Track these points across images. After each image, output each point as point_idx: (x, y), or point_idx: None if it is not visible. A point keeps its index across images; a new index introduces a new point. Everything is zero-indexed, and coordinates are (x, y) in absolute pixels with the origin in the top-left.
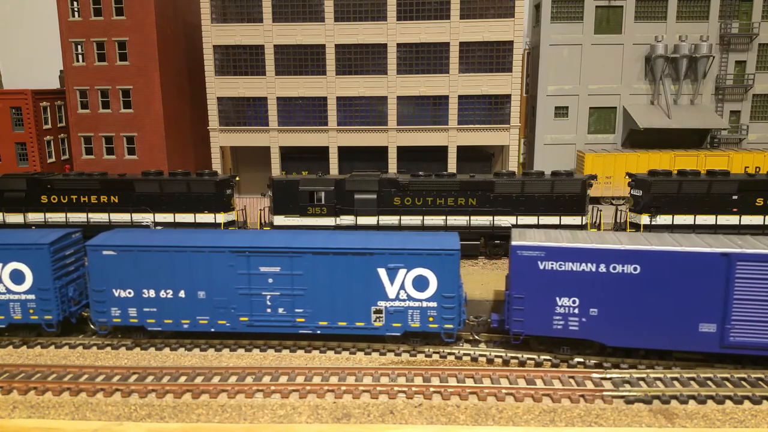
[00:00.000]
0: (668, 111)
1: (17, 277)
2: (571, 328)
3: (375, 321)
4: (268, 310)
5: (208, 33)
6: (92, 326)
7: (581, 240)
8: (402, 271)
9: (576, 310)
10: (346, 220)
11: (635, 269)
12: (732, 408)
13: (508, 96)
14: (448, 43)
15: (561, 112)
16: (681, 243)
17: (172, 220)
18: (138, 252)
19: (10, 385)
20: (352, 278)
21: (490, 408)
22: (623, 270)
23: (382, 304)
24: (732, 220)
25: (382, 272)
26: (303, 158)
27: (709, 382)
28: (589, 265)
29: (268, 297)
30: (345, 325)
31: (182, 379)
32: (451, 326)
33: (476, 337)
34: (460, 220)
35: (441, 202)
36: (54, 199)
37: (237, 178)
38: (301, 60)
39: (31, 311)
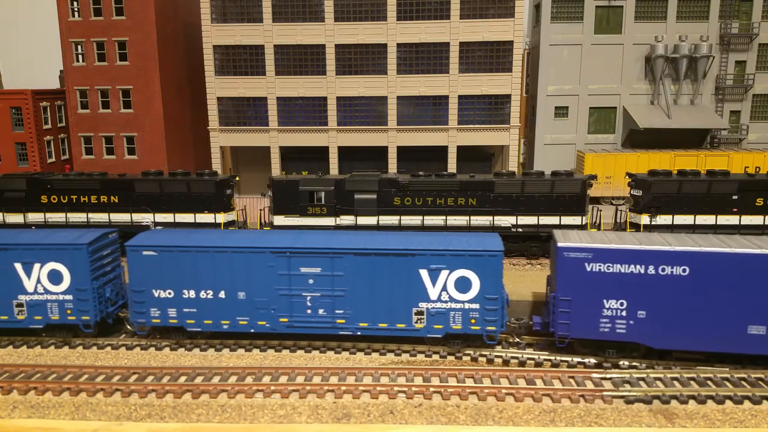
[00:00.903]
0: (668, 111)
1: (55, 277)
2: (618, 330)
3: (416, 323)
4: (308, 311)
5: (208, 33)
6: (129, 327)
7: (628, 241)
8: (444, 273)
9: (623, 313)
10: (346, 220)
11: (684, 271)
12: (732, 408)
13: (508, 96)
14: (448, 43)
15: (561, 112)
16: (729, 244)
17: (172, 220)
18: (178, 252)
19: (10, 385)
20: (394, 279)
21: (490, 408)
22: (672, 272)
23: (423, 305)
24: (732, 220)
25: (424, 273)
26: (303, 158)
27: (709, 382)
28: (638, 266)
29: (309, 298)
30: (385, 327)
31: (182, 379)
32: (493, 328)
33: (518, 339)
34: (460, 220)
35: (441, 202)
36: (54, 199)
37: (237, 178)
38: (301, 60)
39: (69, 312)
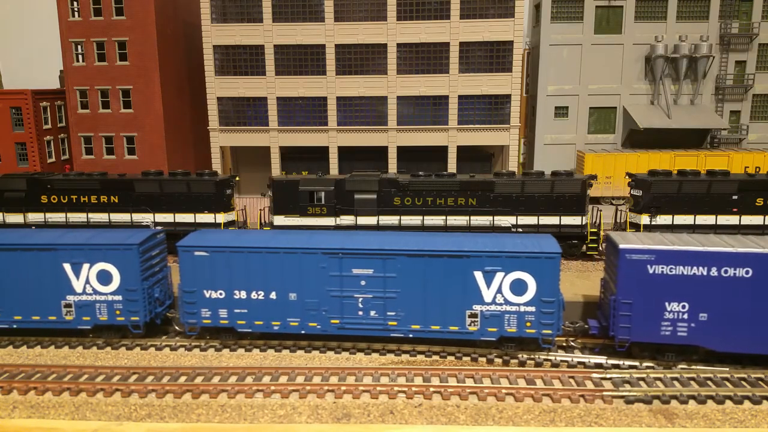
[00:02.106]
0: (668, 111)
1: (104, 277)
2: (679, 333)
3: (469, 325)
4: (360, 313)
5: (208, 33)
6: (177, 327)
7: (689, 243)
8: (500, 275)
9: (685, 315)
10: (346, 220)
11: (747, 272)
12: (732, 408)
13: (508, 96)
14: (448, 43)
15: (561, 112)
16: None
17: (172, 220)
18: (230, 253)
19: (10, 385)
20: (447, 281)
21: (490, 408)
22: (734, 273)
23: (477, 308)
24: (732, 220)
25: (479, 275)
26: (303, 158)
27: (709, 382)
28: (700, 268)
29: (360, 299)
30: (438, 330)
31: (182, 379)
32: (550, 332)
33: (572, 343)
34: (460, 220)
35: (441, 202)
36: (54, 199)
37: (237, 178)
38: (301, 60)
39: (118, 312)
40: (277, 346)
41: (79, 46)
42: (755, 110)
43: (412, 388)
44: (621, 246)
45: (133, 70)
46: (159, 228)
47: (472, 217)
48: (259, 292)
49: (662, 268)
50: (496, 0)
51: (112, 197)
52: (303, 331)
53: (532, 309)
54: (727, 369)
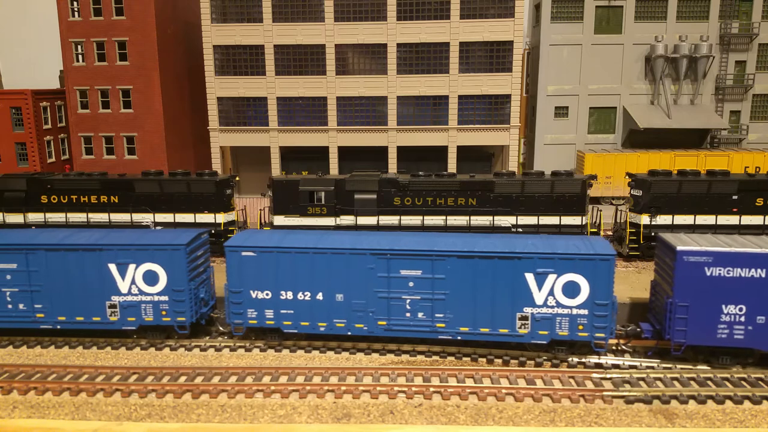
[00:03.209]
0: (668, 111)
1: (151, 278)
2: (736, 336)
3: (520, 328)
4: (408, 315)
5: (208, 33)
6: (222, 328)
7: (745, 244)
8: (552, 276)
9: (742, 318)
10: (346, 220)
11: None
12: (732, 408)
13: (508, 96)
14: (448, 43)
15: (561, 112)
16: None
17: (172, 220)
18: (278, 253)
19: (10, 385)
20: (497, 283)
21: (490, 408)
22: None
23: (528, 310)
24: (732, 220)
25: (530, 277)
26: (303, 158)
27: (709, 382)
28: (759, 270)
29: (408, 301)
30: (487, 332)
31: (182, 379)
32: (602, 335)
33: (624, 347)
34: (460, 220)
35: (441, 202)
36: (54, 199)
37: (237, 178)
38: (301, 60)
39: (164, 313)
40: (277, 346)
41: (79, 46)
42: (755, 110)
43: (412, 388)
44: (678, 248)
45: (133, 70)
46: (204, 229)
47: (472, 217)
48: (306, 293)
49: (720, 270)
50: (496, 0)
51: (112, 197)
52: (349, 333)
53: (585, 312)
54: (727, 369)
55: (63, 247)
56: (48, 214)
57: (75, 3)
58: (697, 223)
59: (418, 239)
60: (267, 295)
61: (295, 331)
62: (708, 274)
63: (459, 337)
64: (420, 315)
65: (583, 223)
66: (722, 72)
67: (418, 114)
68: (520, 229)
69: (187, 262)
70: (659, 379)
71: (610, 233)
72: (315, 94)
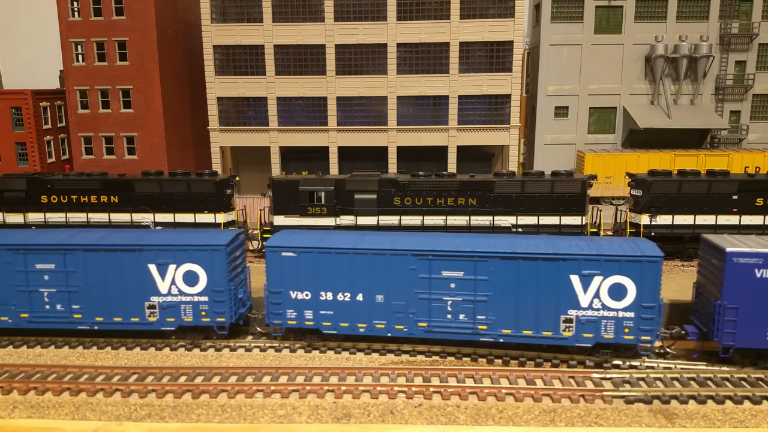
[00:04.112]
0: (668, 111)
1: (191, 278)
2: None
3: (564, 331)
4: (449, 316)
5: (208, 33)
6: (259, 328)
7: None
8: (597, 279)
9: None
10: (346, 220)
11: None
12: (732, 408)
13: (508, 96)
14: (448, 43)
15: (561, 112)
16: None
17: (172, 220)
18: (317, 254)
19: (10, 385)
20: (541, 285)
21: (490, 408)
22: None
23: (572, 312)
24: (732, 220)
25: (575, 279)
26: (303, 158)
27: (709, 382)
28: None
29: (449, 302)
30: (530, 335)
31: (182, 379)
32: (648, 338)
33: (668, 349)
34: (460, 220)
35: (441, 202)
36: (54, 199)
37: (237, 178)
38: (301, 60)
39: (203, 313)
40: (277, 346)
41: (79, 46)
42: (755, 110)
43: (412, 388)
44: (728, 249)
45: (133, 70)
46: (240, 229)
47: (472, 217)
48: (346, 294)
49: None
50: (496, 0)
51: (112, 197)
52: (389, 334)
53: (631, 314)
54: (727, 369)
55: (102, 248)
56: (48, 214)
57: (75, 3)
58: (697, 223)
59: (459, 240)
60: (306, 295)
61: (335, 332)
62: (758, 275)
63: (501, 340)
64: (461, 317)
65: (583, 223)
66: (722, 72)
67: (418, 114)
68: (520, 230)
69: (227, 262)
70: (659, 379)
71: (610, 233)
72: (315, 94)
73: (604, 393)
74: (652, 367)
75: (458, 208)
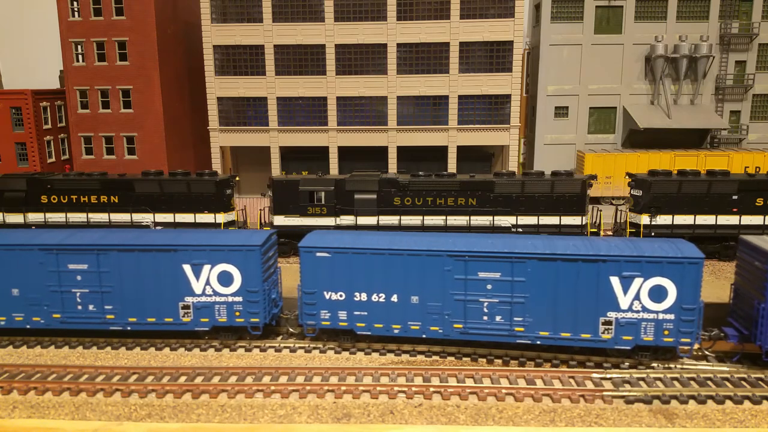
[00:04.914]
0: (668, 111)
1: (225, 279)
2: None
3: (603, 333)
4: (485, 318)
5: (208, 33)
6: (291, 329)
7: None
8: (638, 280)
9: None
10: (346, 220)
11: None
12: (732, 408)
13: (508, 96)
14: (448, 43)
15: (561, 112)
16: None
17: (172, 220)
18: (352, 254)
19: (10, 385)
20: (580, 286)
21: (490, 408)
22: None
23: (612, 315)
24: (732, 220)
25: (615, 281)
26: (303, 158)
27: (709, 382)
28: None
29: (486, 304)
30: (569, 337)
31: (182, 379)
32: (688, 340)
33: (706, 351)
34: (460, 220)
35: (441, 202)
36: (54, 199)
37: (237, 178)
38: (301, 60)
39: (237, 314)
40: (277, 346)
41: (79, 46)
42: (755, 110)
43: (412, 388)
44: None
45: (133, 70)
46: (273, 230)
47: (472, 217)
48: (380, 295)
49: None
50: (496, 0)
51: (112, 197)
52: (424, 336)
53: (671, 316)
54: (727, 369)
55: (136, 248)
56: (48, 214)
57: (75, 3)
58: (697, 223)
59: (495, 241)
60: (341, 296)
61: (369, 333)
62: None
63: (539, 342)
64: (498, 318)
65: (583, 223)
66: (722, 72)
67: (418, 114)
68: (520, 230)
69: (261, 262)
70: (659, 379)
71: (610, 233)
72: (315, 94)
73: (604, 393)
74: (652, 367)
75: (458, 208)
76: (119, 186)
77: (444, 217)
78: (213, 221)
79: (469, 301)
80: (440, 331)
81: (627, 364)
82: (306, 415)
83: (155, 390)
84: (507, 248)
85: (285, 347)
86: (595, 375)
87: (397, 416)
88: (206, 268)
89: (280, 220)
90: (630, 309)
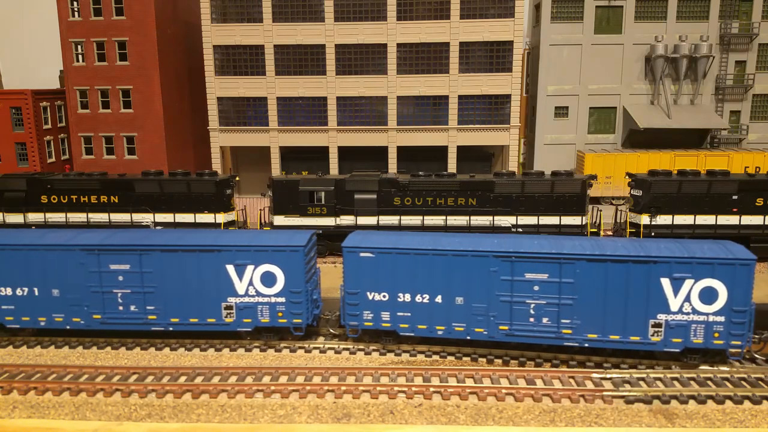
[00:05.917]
0: (668, 111)
1: (268, 279)
2: None
3: (653, 335)
4: (531, 320)
5: (208, 33)
6: (331, 330)
7: None
8: (689, 282)
9: None
10: (346, 220)
11: None
12: (732, 408)
13: (508, 96)
14: (448, 43)
15: (561, 112)
16: None
17: (172, 220)
18: (396, 254)
19: (10, 385)
20: (630, 288)
21: (490, 408)
22: None
23: (662, 317)
24: (732, 220)
25: (666, 282)
26: (303, 158)
27: (709, 382)
28: None
29: (532, 305)
30: (618, 339)
31: (182, 379)
32: (739, 343)
33: (756, 354)
34: (460, 220)
35: (441, 202)
36: (54, 199)
37: (237, 178)
38: (301, 60)
39: (280, 314)
40: (277, 346)
41: (79, 46)
42: (755, 110)
43: (412, 388)
44: None
45: (133, 70)
46: (312, 230)
47: (472, 217)
48: (424, 296)
49: None
50: (496, 0)
51: (112, 197)
52: (468, 337)
53: (722, 319)
54: (727, 369)
55: (180, 248)
56: (48, 214)
57: (75, 3)
58: (697, 223)
59: (542, 241)
60: (384, 296)
61: (412, 334)
62: None
63: (587, 345)
64: (545, 320)
65: (583, 223)
66: (722, 72)
67: (418, 114)
68: (520, 229)
69: (304, 263)
70: (659, 379)
71: (610, 233)
72: (315, 94)
73: (604, 393)
74: (652, 367)
75: (458, 208)
76: (119, 186)
77: (444, 217)
78: (213, 221)
79: (515, 302)
80: (485, 332)
81: (627, 363)
82: (306, 415)
83: (155, 390)
84: (555, 249)
85: (329, 348)
86: (595, 375)
87: (397, 416)
88: (249, 268)
89: (279, 220)
90: (680, 311)
